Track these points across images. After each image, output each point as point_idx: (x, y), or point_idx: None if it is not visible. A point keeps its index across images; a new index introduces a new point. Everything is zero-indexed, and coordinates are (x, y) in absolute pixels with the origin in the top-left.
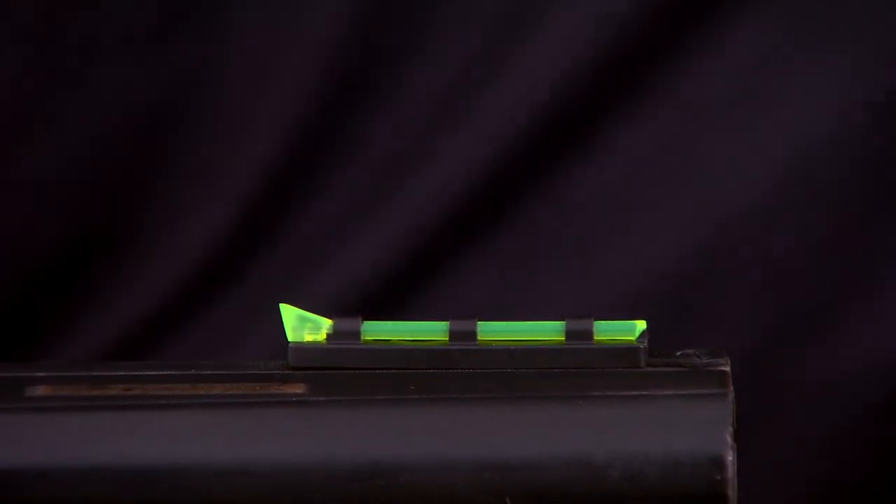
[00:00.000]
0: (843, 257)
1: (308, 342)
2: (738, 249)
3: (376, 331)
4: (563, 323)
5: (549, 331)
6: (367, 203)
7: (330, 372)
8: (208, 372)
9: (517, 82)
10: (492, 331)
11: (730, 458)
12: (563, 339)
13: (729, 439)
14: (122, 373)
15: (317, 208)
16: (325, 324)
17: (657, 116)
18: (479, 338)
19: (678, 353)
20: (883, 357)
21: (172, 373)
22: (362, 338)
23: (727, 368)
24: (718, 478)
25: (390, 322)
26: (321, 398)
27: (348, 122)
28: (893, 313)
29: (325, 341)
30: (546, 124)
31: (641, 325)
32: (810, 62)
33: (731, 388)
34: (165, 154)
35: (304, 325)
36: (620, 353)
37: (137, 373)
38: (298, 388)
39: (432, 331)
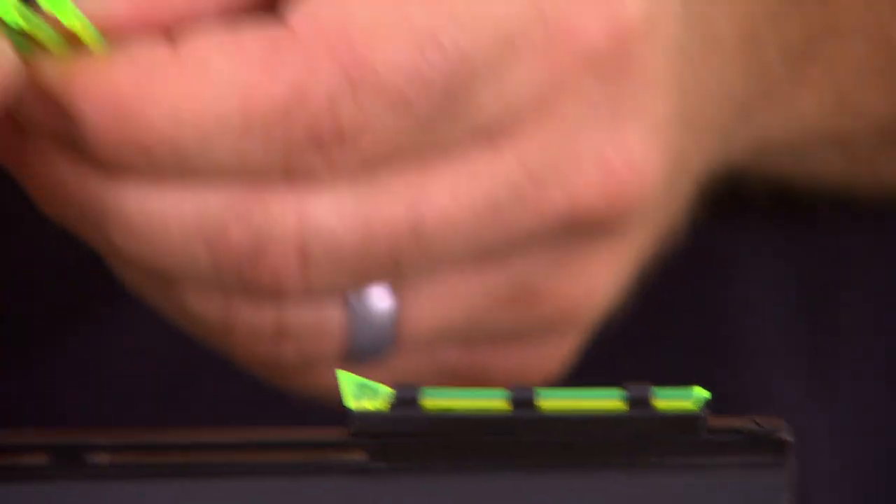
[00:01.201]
0: None
1: (369, 410)
2: None
3: (437, 397)
4: (623, 391)
5: (608, 397)
6: None
7: (391, 439)
8: (268, 439)
9: None
10: (552, 398)
11: None
12: (623, 405)
13: None
14: (180, 440)
15: None
16: (384, 391)
17: None
18: (539, 405)
19: (738, 420)
20: None
21: (231, 441)
22: (423, 405)
23: (787, 437)
24: None
25: (450, 389)
26: (383, 465)
27: None
28: None
29: (386, 408)
30: None
31: (703, 392)
32: None
33: (791, 456)
34: None
35: (363, 392)
36: (681, 421)
37: (196, 440)
38: (360, 456)
39: (493, 397)
